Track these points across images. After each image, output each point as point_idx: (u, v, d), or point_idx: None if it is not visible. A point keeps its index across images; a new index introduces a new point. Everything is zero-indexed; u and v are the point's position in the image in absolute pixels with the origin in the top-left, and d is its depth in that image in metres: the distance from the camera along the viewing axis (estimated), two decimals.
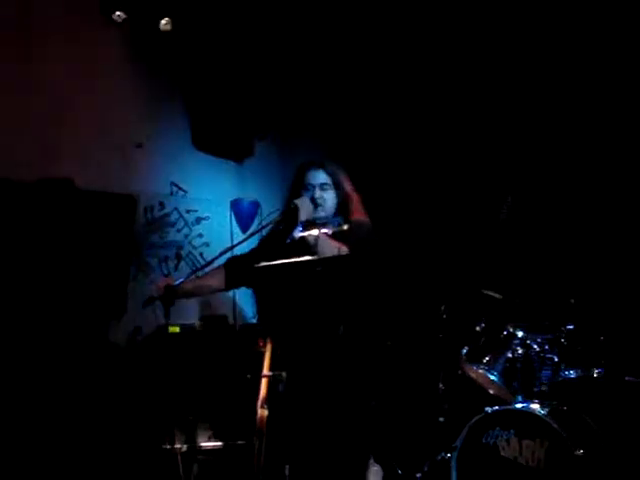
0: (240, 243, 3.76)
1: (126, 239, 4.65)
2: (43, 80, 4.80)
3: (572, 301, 4.41)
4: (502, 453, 3.97)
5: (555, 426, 3.83)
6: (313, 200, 3.57)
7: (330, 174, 3.67)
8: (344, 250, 3.37)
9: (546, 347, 4.21)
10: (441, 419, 4.47)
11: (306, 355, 3.66)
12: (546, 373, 4.22)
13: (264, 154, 6.09)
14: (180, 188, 5.55)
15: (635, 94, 4.92)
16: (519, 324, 4.44)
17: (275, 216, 3.60)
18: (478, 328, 4.42)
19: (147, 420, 4.63)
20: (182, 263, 5.50)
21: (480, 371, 4.33)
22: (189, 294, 3.83)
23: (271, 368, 4.31)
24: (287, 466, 4.17)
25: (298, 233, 3.43)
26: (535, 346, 4.24)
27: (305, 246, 3.36)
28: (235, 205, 5.82)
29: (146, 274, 5.24)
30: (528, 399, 4.11)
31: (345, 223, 3.51)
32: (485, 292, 4.80)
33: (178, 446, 4.47)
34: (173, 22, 5.29)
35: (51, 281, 4.32)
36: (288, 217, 3.51)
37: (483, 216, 5.83)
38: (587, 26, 5.10)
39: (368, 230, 3.61)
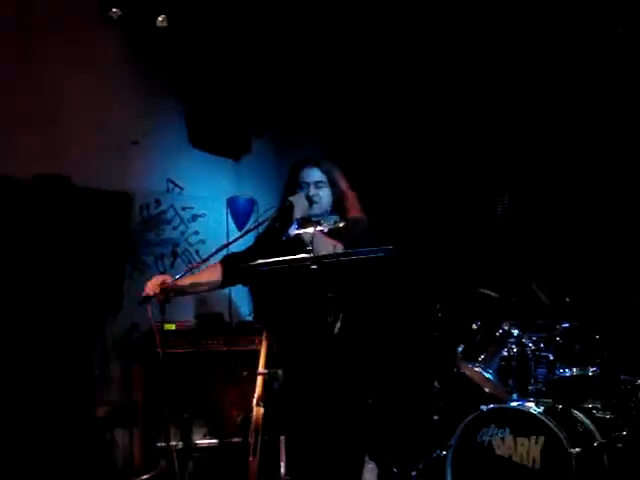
0: (235, 240, 3.76)
1: (122, 236, 4.64)
2: (41, 78, 4.80)
3: (567, 300, 4.42)
4: (497, 451, 3.98)
5: (550, 424, 3.83)
6: (308, 198, 3.57)
7: (325, 172, 3.67)
8: (340, 247, 3.37)
9: (541, 345, 4.22)
10: (436, 417, 4.47)
11: (302, 353, 3.66)
12: (541, 371, 4.23)
13: (261, 151, 6.09)
14: (176, 185, 5.54)
15: (633, 94, 4.92)
16: (515, 322, 4.45)
17: (270, 213, 3.60)
18: (474, 326, 4.42)
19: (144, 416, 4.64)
20: (178, 260, 5.49)
21: (475, 369, 4.33)
22: (185, 292, 3.83)
23: (267, 366, 4.32)
24: (283, 463, 4.19)
25: (294, 230, 3.43)
26: (530, 344, 4.24)
27: (301, 244, 3.36)
28: (231, 203, 5.82)
29: (142, 272, 5.23)
30: (523, 397, 4.11)
31: (341, 220, 3.51)
32: (481, 290, 4.81)
33: (173, 443, 4.47)
34: (169, 19, 5.28)
35: (47, 278, 4.31)
36: (283, 214, 3.51)
37: (479, 214, 5.84)
38: (584, 24, 5.10)
39: (364, 227, 3.61)
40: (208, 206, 5.72)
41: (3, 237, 4.33)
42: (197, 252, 5.60)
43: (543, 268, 5.37)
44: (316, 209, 3.59)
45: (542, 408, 3.98)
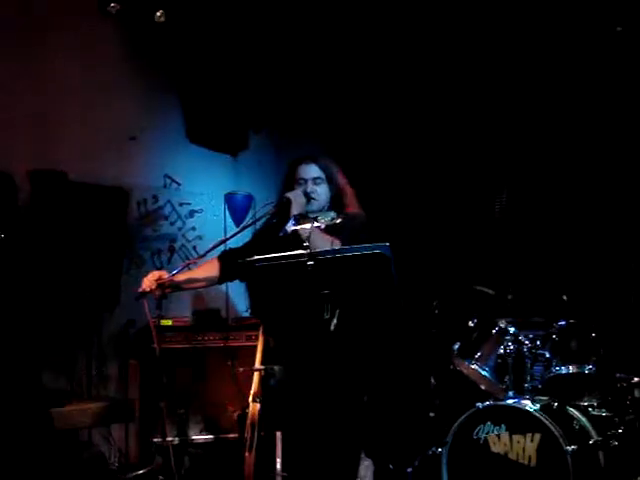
0: (232, 237, 3.75)
1: (119, 232, 4.63)
2: (39, 74, 4.79)
3: (564, 297, 4.42)
4: (493, 448, 3.98)
5: (546, 422, 3.84)
6: (306, 194, 3.57)
7: (323, 168, 3.66)
8: (337, 244, 3.37)
9: (538, 343, 4.22)
10: (432, 414, 4.47)
11: (298, 349, 3.66)
12: (538, 369, 4.23)
13: (259, 148, 6.09)
14: (174, 181, 5.54)
15: (631, 93, 4.92)
16: (511, 320, 4.45)
17: (267, 209, 3.59)
18: (470, 324, 4.43)
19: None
20: (175, 256, 5.49)
21: (472, 366, 4.33)
22: (182, 287, 3.82)
23: (263, 362, 4.32)
24: (279, 459, 4.19)
25: (291, 227, 3.43)
26: (527, 342, 4.24)
27: (298, 240, 3.36)
28: (229, 198, 5.81)
29: (139, 267, 5.23)
30: (519, 395, 4.12)
31: (338, 217, 3.51)
32: (478, 288, 4.81)
33: (170, 439, 4.47)
34: (168, 15, 5.27)
35: (44, 274, 4.31)
36: (281, 211, 3.51)
37: (477, 211, 5.84)
38: (582, 23, 5.10)
39: (362, 224, 3.61)
40: (206, 202, 5.71)
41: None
42: (194, 248, 5.59)
43: (538, 265, 5.38)
44: (314, 205, 3.59)
45: (538, 406, 3.98)
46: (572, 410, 4.10)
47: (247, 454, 4.09)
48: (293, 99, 6.01)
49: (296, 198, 3.49)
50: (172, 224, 5.52)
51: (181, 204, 5.57)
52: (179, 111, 5.59)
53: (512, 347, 4.24)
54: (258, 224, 3.81)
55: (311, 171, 3.64)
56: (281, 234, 3.48)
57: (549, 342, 4.15)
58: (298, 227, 3.43)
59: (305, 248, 3.15)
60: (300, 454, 3.71)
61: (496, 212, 5.79)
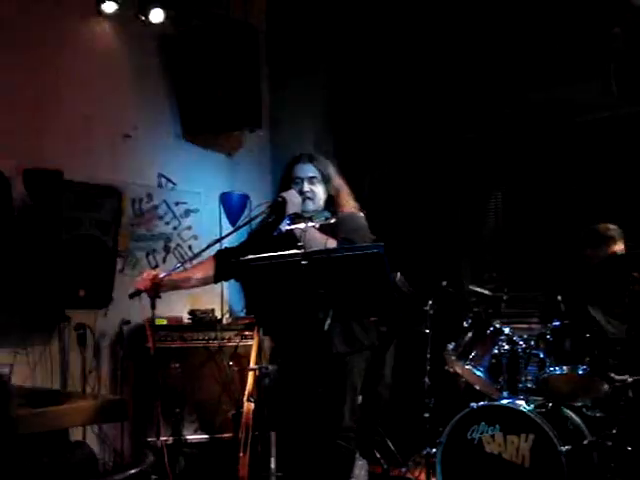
0: (226, 236, 3.76)
1: (112, 231, 4.62)
2: (32, 72, 4.77)
3: (559, 298, 4.43)
4: (487, 448, 3.99)
5: (540, 422, 3.84)
6: (302, 193, 3.57)
7: (319, 168, 3.67)
8: (332, 243, 3.37)
9: (532, 343, 4.22)
10: (427, 414, 4.47)
11: (293, 348, 3.66)
12: (532, 369, 4.24)
13: (254, 147, 6.08)
14: (169, 180, 5.52)
15: None
16: (506, 320, 4.45)
17: (261, 209, 3.59)
18: (465, 324, 4.43)
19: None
20: (170, 256, 5.48)
21: (466, 367, 4.34)
22: (177, 286, 3.82)
23: (258, 362, 4.32)
24: (273, 459, 4.19)
25: (285, 226, 3.43)
26: (521, 342, 4.25)
27: (292, 239, 3.36)
28: (225, 198, 5.80)
29: (133, 266, 5.22)
30: (513, 395, 4.12)
31: (333, 217, 3.51)
32: (472, 288, 4.81)
33: (164, 438, 4.46)
34: (164, 13, 5.27)
35: (37, 272, 4.29)
36: (276, 210, 3.51)
37: (473, 211, 5.85)
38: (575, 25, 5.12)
39: (358, 223, 3.61)
40: (201, 201, 5.70)
41: None
42: (190, 247, 5.58)
43: (533, 266, 5.38)
44: (310, 205, 3.60)
45: (532, 406, 3.99)
46: (566, 410, 4.10)
47: (241, 454, 4.09)
48: (290, 98, 6.01)
49: (291, 198, 3.49)
50: (167, 223, 5.51)
51: (176, 203, 5.56)
52: (174, 109, 5.57)
53: (506, 347, 4.24)
54: (253, 223, 3.81)
55: (307, 170, 3.64)
56: (276, 233, 3.48)
57: (543, 342, 4.16)
58: (293, 226, 3.43)
59: (299, 248, 3.15)
60: (294, 454, 3.71)
61: (491, 211, 5.80)
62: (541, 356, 4.13)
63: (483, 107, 5.61)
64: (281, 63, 6.09)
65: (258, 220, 3.74)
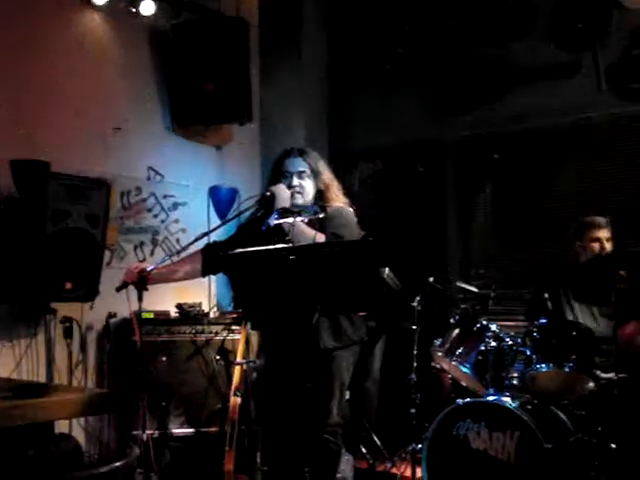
0: (214, 230, 3.75)
1: (100, 223, 4.59)
2: (21, 64, 4.74)
3: (546, 295, 4.44)
4: (472, 445, 4.00)
5: (526, 419, 3.86)
6: (291, 187, 3.57)
7: (309, 162, 3.67)
8: (320, 238, 3.37)
9: (519, 341, 4.24)
10: (413, 410, 4.48)
11: (280, 342, 3.66)
12: (518, 366, 4.25)
13: (244, 141, 6.06)
14: (158, 173, 5.50)
15: None
16: (493, 317, 4.46)
17: (250, 203, 3.59)
18: (452, 320, 4.44)
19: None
20: (158, 249, 5.45)
21: (453, 363, 4.35)
22: (164, 280, 3.82)
23: (244, 356, 4.31)
24: (259, 453, 4.20)
25: (273, 221, 3.43)
26: (508, 339, 4.26)
27: (281, 233, 3.36)
28: (213, 191, 5.79)
29: (121, 259, 5.20)
30: (500, 392, 4.13)
31: (321, 211, 3.51)
32: (460, 284, 4.82)
33: (150, 432, 4.44)
34: (155, 4, 5.25)
35: (23, 264, 4.27)
36: (264, 204, 3.50)
37: (460, 208, 5.86)
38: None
39: (346, 218, 3.61)
40: (190, 195, 5.68)
41: None
42: (177, 241, 5.56)
43: (519, 263, 5.40)
44: (299, 199, 3.60)
45: (518, 403, 4.00)
46: (552, 408, 4.12)
47: (227, 448, 4.09)
48: (280, 92, 6.00)
49: (280, 192, 3.49)
50: (155, 216, 5.49)
51: (165, 196, 5.54)
52: (164, 103, 5.55)
53: (493, 344, 4.25)
54: (242, 217, 3.80)
55: (297, 165, 3.64)
56: (264, 228, 3.47)
57: (530, 340, 4.17)
58: (281, 221, 3.43)
59: (288, 242, 3.15)
60: (280, 448, 3.72)
61: (478, 207, 5.81)
62: (528, 353, 4.14)
63: (470, 104, 5.62)
64: (273, 56, 6.07)
65: (247, 214, 3.73)
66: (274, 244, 3.14)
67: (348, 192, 3.83)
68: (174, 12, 5.48)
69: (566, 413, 4.11)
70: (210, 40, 5.37)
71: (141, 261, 5.26)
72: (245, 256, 3.03)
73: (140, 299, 3.56)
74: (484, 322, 4.34)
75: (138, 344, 4.05)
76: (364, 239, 3.44)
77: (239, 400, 4.17)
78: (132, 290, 3.61)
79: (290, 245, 3.08)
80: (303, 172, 3.64)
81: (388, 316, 5.00)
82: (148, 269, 3.56)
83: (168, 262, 3.82)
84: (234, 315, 5.02)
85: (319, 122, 6.16)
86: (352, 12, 6.07)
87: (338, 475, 3.86)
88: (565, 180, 5.31)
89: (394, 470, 4.81)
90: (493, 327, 4.32)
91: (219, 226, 3.85)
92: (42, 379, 4.59)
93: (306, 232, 3.39)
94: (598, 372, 3.99)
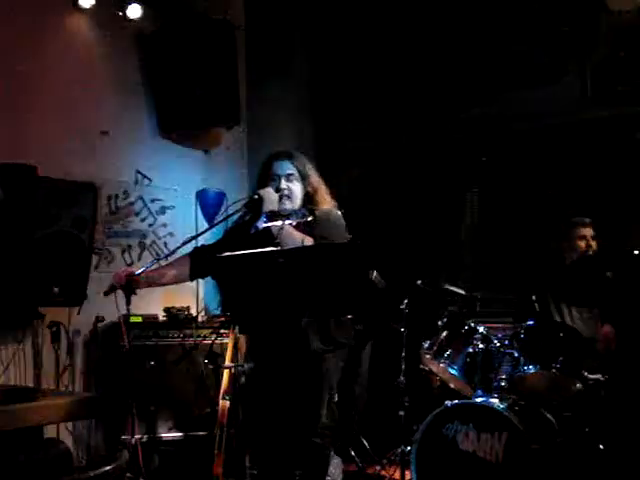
0: (202, 234, 3.74)
1: (88, 227, 4.58)
2: (8, 67, 4.72)
3: (533, 298, 4.46)
4: (461, 446, 4.00)
5: (514, 421, 3.87)
6: (278, 191, 3.56)
7: (297, 165, 3.66)
8: (308, 241, 3.37)
9: (506, 342, 4.25)
10: (401, 412, 4.48)
11: (269, 345, 3.66)
12: (506, 368, 4.26)
13: (231, 145, 6.06)
14: (145, 177, 5.49)
15: None
16: (480, 319, 4.48)
17: (238, 206, 3.58)
18: (440, 322, 4.45)
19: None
20: (145, 252, 5.45)
21: (441, 365, 4.36)
22: (152, 283, 3.80)
23: (233, 359, 4.31)
24: (248, 456, 4.18)
25: (261, 224, 3.43)
26: (496, 341, 4.28)
27: (269, 237, 3.36)
28: (201, 195, 5.79)
29: (109, 263, 5.19)
30: (488, 393, 4.14)
31: (310, 214, 3.51)
32: (448, 287, 4.84)
33: (138, 436, 4.43)
34: (141, 8, 5.25)
35: (11, 268, 4.25)
36: (252, 208, 3.50)
37: (448, 210, 5.88)
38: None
39: (335, 221, 3.61)
40: (177, 198, 5.68)
41: None
42: (165, 244, 5.56)
43: (508, 265, 5.42)
44: (287, 203, 3.59)
45: (506, 404, 4.01)
46: (540, 409, 4.14)
47: (216, 451, 4.08)
48: (267, 95, 6.00)
49: (268, 195, 3.49)
50: (143, 220, 5.48)
51: (152, 200, 5.53)
52: (151, 107, 5.54)
53: (481, 346, 4.27)
54: (230, 221, 3.80)
55: (285, 168, 3.63)
56: (252, 231, 3.47)
57: (517, 341, 4.19)
58: (269, 224, 3.43)
59: (276, 245, 3.15)
60: (270, 452, 3.71)
61: (466, 209, 5.84)
62: (515, 355, 4.16)
63: (458, 107, 5.64)
64: (260, 60, 6.08)
65: (234, 217, 3.73)
66: (262, 247, 3.14)
67: (337, 195, 3.83)
68: (161, 15, 5.48)
69: (554, 414, 4.13)
70: (197, 43, 5.37)
71: (129, 265, 5.25)
72: (233, 259, 3.03)
73: (128, 303, 3.54)
74: (472, 324, 4.36)
75: (126, 348, 4.03)
76: (352, 242, 3.45)
77: (228, 404, 4.16)
78: (120, 294, 3.59)
79: (278, 248, 3.07)
80: (291, 175, 3.63)
81: (376, 319, 5.01)
82: (136, 273, 3.54)
83: (156, 266, 3.81)
84: (222, 319, 5.02)
85: (306, 125, 6.16)
86: (340, 16, 6.08)
87: (327, 478, 3.85)
88: (552, 183, 5.34)
89: (383, 472, 4.82)
90: (481, 329, 4.33)
91: (207, 229, 3.85)
92: (30, 384, 4.57)
93: (294, 235, 3.39)
94: (585, 373, 4.01)
